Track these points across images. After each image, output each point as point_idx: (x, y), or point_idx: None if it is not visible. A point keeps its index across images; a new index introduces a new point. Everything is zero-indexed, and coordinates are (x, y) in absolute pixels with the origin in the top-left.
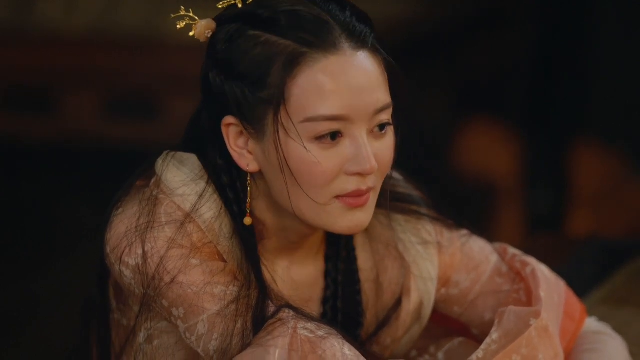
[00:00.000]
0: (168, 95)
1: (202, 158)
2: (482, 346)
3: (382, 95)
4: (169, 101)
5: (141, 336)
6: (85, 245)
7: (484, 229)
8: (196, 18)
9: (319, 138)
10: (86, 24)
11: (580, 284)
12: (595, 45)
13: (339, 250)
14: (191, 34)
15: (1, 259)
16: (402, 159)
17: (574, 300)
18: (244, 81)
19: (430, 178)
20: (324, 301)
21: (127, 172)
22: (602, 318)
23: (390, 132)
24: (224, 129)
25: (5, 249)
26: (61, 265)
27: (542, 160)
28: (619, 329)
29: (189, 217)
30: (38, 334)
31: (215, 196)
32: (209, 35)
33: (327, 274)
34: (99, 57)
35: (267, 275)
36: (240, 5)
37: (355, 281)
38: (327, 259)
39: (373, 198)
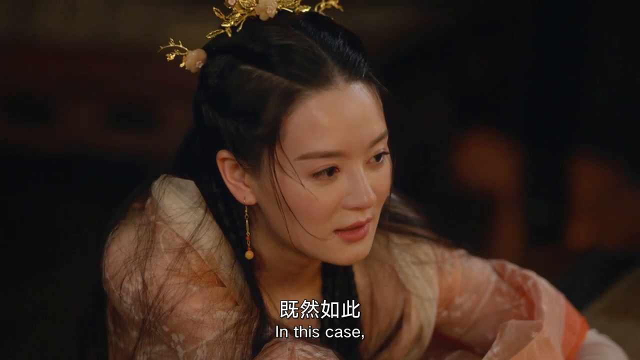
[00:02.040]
0: (167, 105)
1: (199, 184)
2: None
3: (377, 126)
4: (168, 111)
5: None
6: (83, 255)
7: (483, 240)
8: (186, 49)
9: (316, 174)
10: (85, 34)
11: (580, 295)
12: (594, 56)
13: (335, 266)
14: (182, 65)
15: (0, 268)
16: (401, 170)
17: (574, 313)
18: (238, 118)
19: (430, 189)
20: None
21: (127, 181)
22: (602, 329)
23: (386, 160)
24: (219, 163)
25: (4, 258)
26: (60, 274)
27: (541, 171)
28: (619, 340)
29: (188, 246)
30: (36, 344)
31: (215, 224)
32: (199, 66)
33: (324, 290)
34: (98, 67)
35: (266, 301)
36: (230, 35)
37: (352, 296)
38: (325, 275)
39: (372, 229)
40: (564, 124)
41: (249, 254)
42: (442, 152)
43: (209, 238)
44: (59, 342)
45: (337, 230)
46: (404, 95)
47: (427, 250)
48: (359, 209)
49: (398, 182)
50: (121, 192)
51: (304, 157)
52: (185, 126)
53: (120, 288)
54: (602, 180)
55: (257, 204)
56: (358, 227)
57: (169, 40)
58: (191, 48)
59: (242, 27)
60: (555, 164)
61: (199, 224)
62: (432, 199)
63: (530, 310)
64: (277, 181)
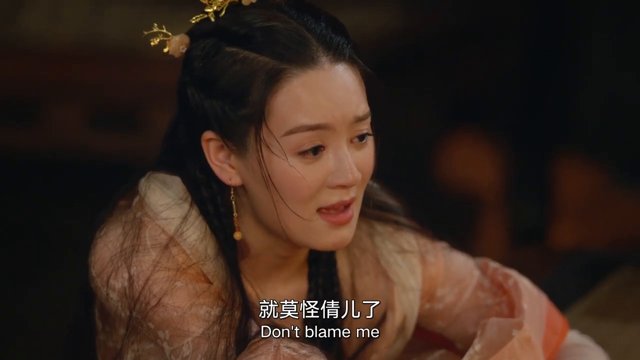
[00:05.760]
0: (152, 107)
1: (184, 176)
2: (465, 358)
3: (361, 105)
4: (153, 113)
5: (128, 358)
6: (71, 258)
7: (467, 241)
8: (169, 34)
9: (302, 153)
10: (70, 36)
11: (565, 296)
12: (582, 58)
13: (319, 255)
14: (165, 50)
15: None
16: (386, 169)
17: (556, 313)
18: (224, 99)
19: (414, 189)
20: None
21: (112, 184)
22: (586, 330)
23: (370, 141)
24: (204, 144)
25: None
26: (47, 278)
27: (526, 172)
28: (602, 341)
29: (173, 240)
30: (24, 350)
31: (200, 218)
32: (183, 51)
33: (310, 277)
34: (82, 69)
35: (252, 294)
36: (213, 19)
37: (334, 284)
38: (311, 263)
39: (356, 212)
40: (549, 125)
41: (237, 235)
42: (428, 153)
43: (194, 231)
44: (54, 344)
45: (320, 210)
46: (394, 97)
47: (409, 239)
48: (343, 187)
49: (385, 183)
50: (107, 194)
51: (290, 132)
52: None
53: (107, 285)
54: (587, 181)
55: (242, 187)
56: (343, 206)
57: (153, 26)
58: None
59: (225, 12)
60: (540, 165)
61: (184, 218)
62: (416, 199)
63: (511, 308)
64: (263, 160)
